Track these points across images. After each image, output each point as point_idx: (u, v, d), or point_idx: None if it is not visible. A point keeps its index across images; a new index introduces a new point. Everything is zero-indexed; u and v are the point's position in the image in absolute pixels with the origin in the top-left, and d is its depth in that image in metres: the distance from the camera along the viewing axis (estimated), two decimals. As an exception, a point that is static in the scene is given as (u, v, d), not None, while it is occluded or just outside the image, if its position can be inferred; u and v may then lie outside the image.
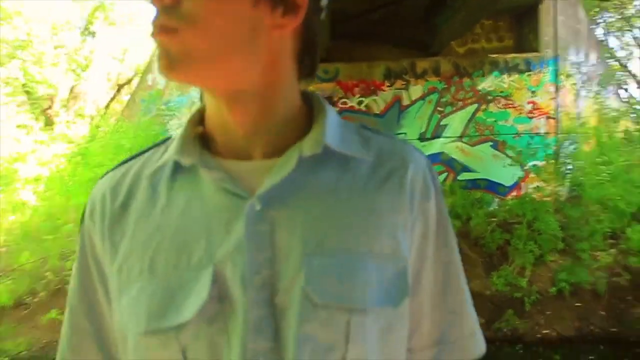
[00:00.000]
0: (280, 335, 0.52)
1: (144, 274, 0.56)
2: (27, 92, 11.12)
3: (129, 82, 13.99)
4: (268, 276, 0.53)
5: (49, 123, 9.76)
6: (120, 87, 14.18)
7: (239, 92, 0.56)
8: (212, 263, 0.54)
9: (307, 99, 0.64)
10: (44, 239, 5.44)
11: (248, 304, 0.52)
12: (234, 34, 0.52)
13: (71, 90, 12.33)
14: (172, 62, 0.51)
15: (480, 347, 0.67)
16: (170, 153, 0.60)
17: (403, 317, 0.59)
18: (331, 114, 0.62)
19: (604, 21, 10.18)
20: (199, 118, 0.63)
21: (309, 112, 0.62)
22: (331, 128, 0.59)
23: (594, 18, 10.23)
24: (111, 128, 7.07)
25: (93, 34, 12.95)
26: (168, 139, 0.66)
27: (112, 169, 0.67)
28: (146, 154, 0.65)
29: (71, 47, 11.92)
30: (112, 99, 13.74)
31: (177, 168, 0.60)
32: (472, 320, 0.67)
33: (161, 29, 0.51)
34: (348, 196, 0.57)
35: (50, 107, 11.55)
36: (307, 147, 0.56)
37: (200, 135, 0.61)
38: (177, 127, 6.33)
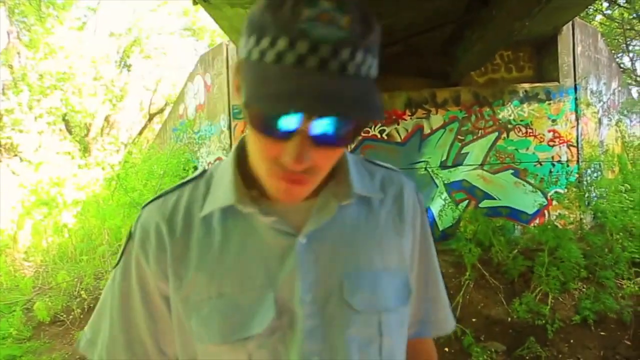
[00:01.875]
0: (329, 338, 0.68)
1: (213, 298, 0.68)
2: (66, 121, 11.77)
3: (160, 111, 14.60)
4: (317, 294, 0.69)
5: (86, 150, 10.29)
6: (152, 116, 14.79)
7: None
8: (272, 288, 0.67)
9: None
10: (80, 259, 5.72)
11: (304, 317, 0.67)
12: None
13: (106, 119, 12.95)
14: (296, 198, 0.65)
15: (451, 325, 0.89)
16: (223, 198, 0.71)
17: (408, 311, 0.79)
18: (350, 160, 0.77)
19: (630, 50, 10.16)
20: (238, 161, 0.73)
21: None
22: (353, 174, 0.75)
23: (620, 46, 10.24)
24: (144, 155, 7.43)
25: (129, 66, 13.65)
26: (203, 172, 0.77)
27: (155, 200, 0.76)
28: (186, 188, 0.75)
29: (108, 79, 12.60)
30: (144, 127, 14.32)
31: (228, 209, 0.71)
32: (446, 305, 0.89)
33: (295, 182, 0.62)
34: (366, 228, 0.75)
35: (87, 135, 12.16)
36: (343, 196, 0.72)
37: (242, 176, 0.71)
38: (206, 154, 6.61)
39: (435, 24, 5.26)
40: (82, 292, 5.28)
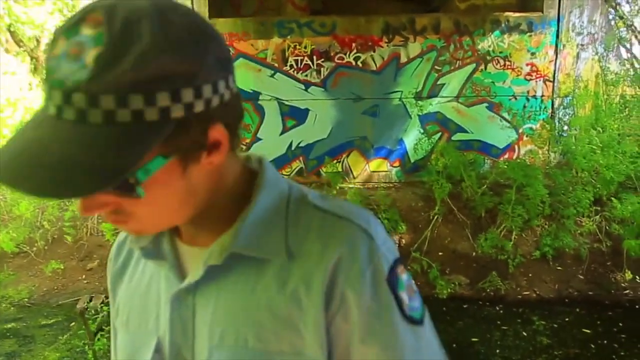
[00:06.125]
0: None
1: (124, 327, 0.70)
2: (12, 33, 10.70)
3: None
4: (188, 356, 0.62)
5: (37, 67, 9.47)
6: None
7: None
8: (157, 334, 0.64)
9: (254, 175, 0.63)
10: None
11: None
12: (173, 206, 0.55)
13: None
14: (137, 235, 0.62)
15: None
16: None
17: None
18: (258, 205, 0.60)
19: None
20: None
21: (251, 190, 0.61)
22: (247, 227, 0.58)
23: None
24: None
25: (80, -30, 12.29)
26: None
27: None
28: None
29: (57, -16, 11.36)
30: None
31: None
32: None
33: (116, 222, 0.54)
34: (250, 296, 0.58)
35: (37, 47, 11.16)
36: (213, 257, 0.58)
37: None
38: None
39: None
40: (45, 222, 5.12)
